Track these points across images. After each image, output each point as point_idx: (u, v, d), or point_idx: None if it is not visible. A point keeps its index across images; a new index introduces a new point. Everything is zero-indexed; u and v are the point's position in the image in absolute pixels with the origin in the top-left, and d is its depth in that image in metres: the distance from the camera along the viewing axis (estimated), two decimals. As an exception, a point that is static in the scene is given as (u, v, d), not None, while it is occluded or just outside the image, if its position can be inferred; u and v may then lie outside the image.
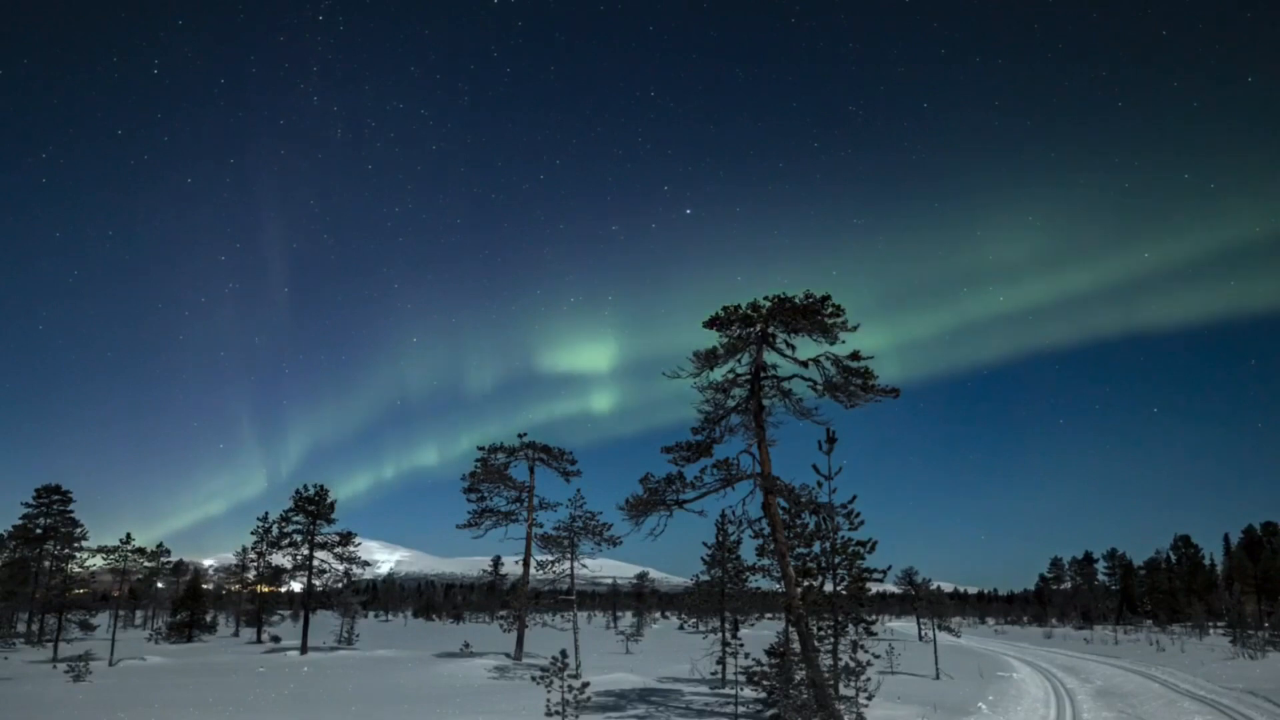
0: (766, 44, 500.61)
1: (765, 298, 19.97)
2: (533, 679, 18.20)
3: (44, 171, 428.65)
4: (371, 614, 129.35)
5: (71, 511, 52.88)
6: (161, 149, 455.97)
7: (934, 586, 43.08)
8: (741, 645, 27.44)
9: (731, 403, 20.80)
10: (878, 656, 27.43)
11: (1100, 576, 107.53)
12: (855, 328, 19.99)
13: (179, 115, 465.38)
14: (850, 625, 22.28)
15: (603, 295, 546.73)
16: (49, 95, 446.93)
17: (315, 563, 47.91)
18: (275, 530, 48.70)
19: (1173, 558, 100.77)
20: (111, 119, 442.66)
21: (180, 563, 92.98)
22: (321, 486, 48.41)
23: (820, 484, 20.80)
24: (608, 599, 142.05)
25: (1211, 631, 72.85)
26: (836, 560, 22.31)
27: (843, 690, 19.83)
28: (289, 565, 49.94)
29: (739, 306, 20.11)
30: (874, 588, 24.28)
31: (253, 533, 55.98)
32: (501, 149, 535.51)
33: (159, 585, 76.11)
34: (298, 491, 47.99)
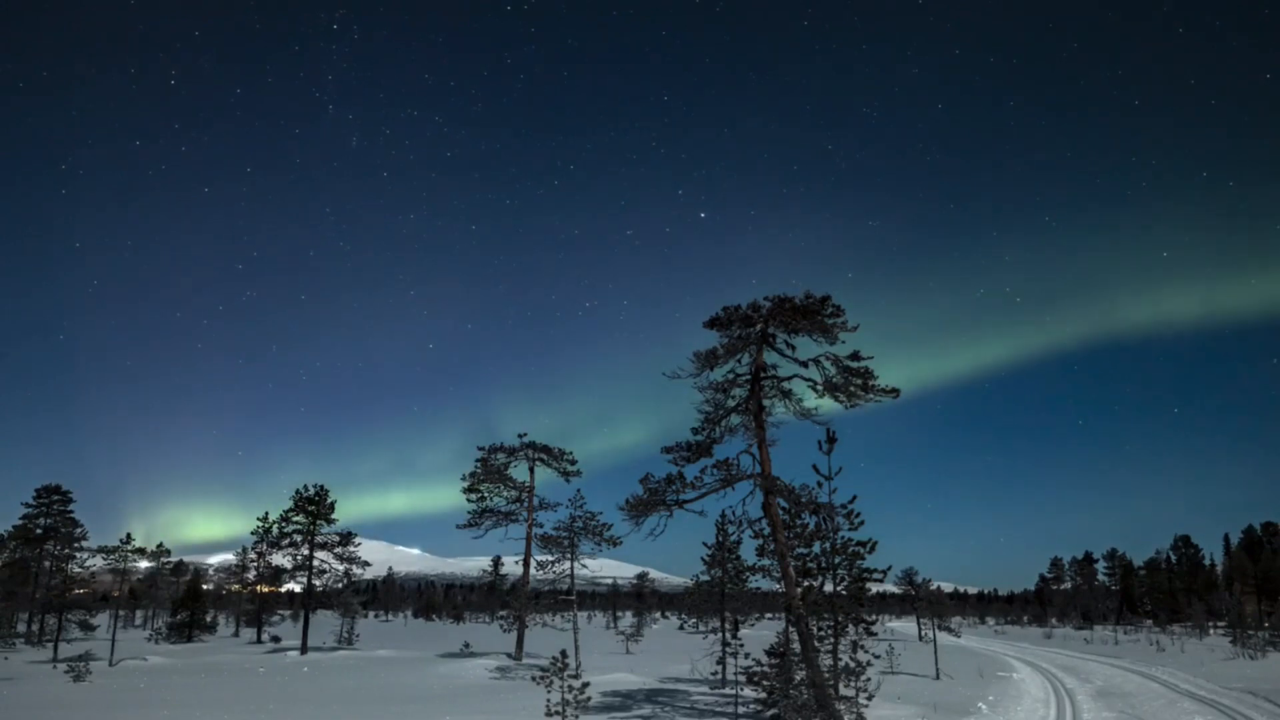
0: (779, 46, 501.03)
1: (765, 298, 19.98)
2: (533, 679, 18.20)
3: (63, 183, 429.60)
4: (371, 614, 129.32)
5: (71, 512, 52.75)
6: (179, 159, 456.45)
7: (934, 587, 43.08)
8: (741, 645, 27.42)
9: (731, 403, 20.79)
10: (878, 657, 27.43)
11: (1100, 576, 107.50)
12: (855, 328, 19.98)
13: (196, 125, 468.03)
14: (850, 625, 22.25)
15: (617, 299, 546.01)
16: (67, 107, 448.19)
17: (315, 563, 47.91)
18: (275, 530, 48.69)
19: (1173, 558, 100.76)
20: (129, 130, 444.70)
21: (180, 563, 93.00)
22: (321, 486, 48.47)
23: (820, 484, 20.77)
24: (608, 599, 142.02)
25: (1211, 632, 72.84)
26: (836, 560, 22.29)
27: (843, 690, 19.82)
28: (289, 565, 49.93)
29: (739, 307, 20.11)
30: (874, 588, 24.27)
31: (253, 533, 55.98)
32: (515, 155, 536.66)
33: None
34: (298, 491, 48.05)
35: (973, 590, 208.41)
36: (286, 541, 48.32)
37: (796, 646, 18.99)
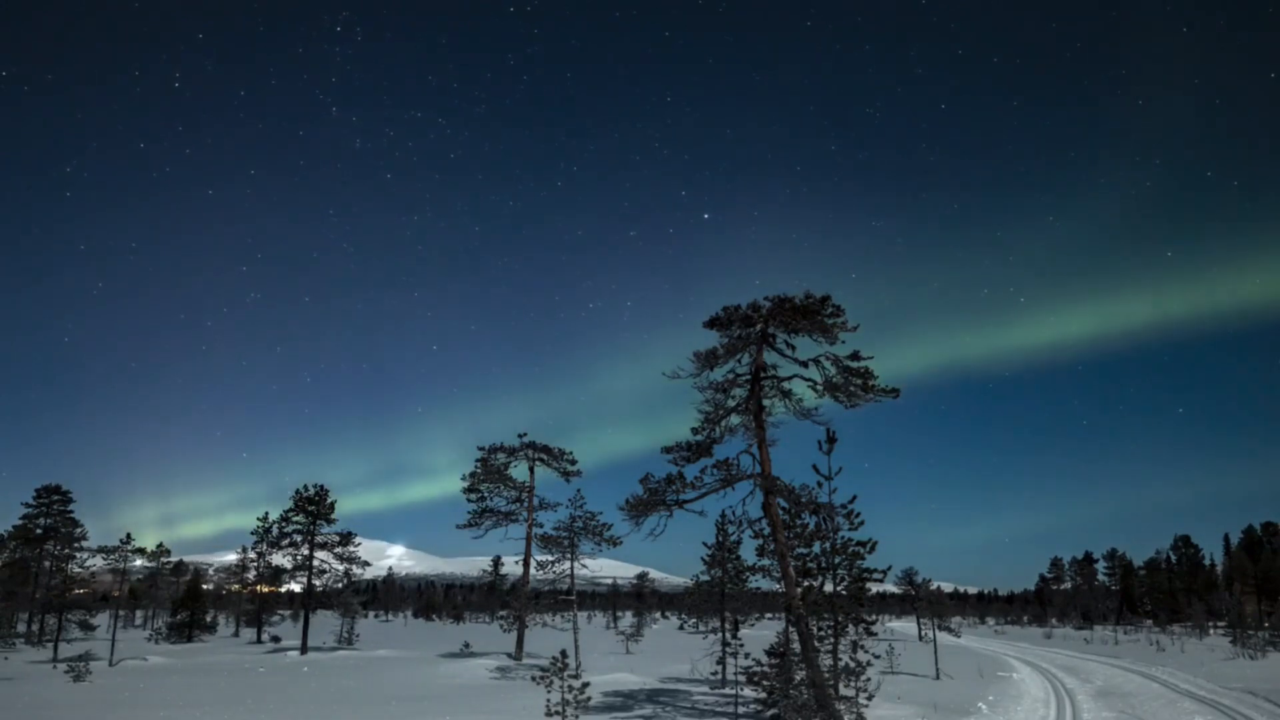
0: (782, 47, 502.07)
1: (765, 298, 19.96)
2: (533, 679, 18.19)
3: (68, 185, 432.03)
4: (371, 614, 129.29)
5: (71, 512, 52.73)
6: (183, 161, 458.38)
7: (934, 587, 43.08)
8: (741, 645, 27.42)
9: (731, 403, 20.77)
10: (878, 657, 27.43)
11: (1100, 576, 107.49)
12: (855, 328, 19.96)
13: (200, 128, 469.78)
14: (850, 625, 22.26)
15: (621, 301, 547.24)
16: (72, 110, 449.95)
17: (315, 563, 47.89)
18: (275, 530, 48.69)
19: (1173, 558, 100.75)
20: (133, 132, 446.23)
21: (180, 563, 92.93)
22: (321, 486, 48.46)
23: (820, 484, 20.77)
24: (608, 599, 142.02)
25: (1211, 632, 72.83)
26: (836, 560, 22.30)
27: (843, 690, 19.82)
28: (289, 565, 49.94)
29: (739, 307, 20.09)
30: (874, 588, 24.27)
31: (253, 533, 55.98)
32: (519, 156, 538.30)
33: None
34: (298, 491, 48.02)
35: (973, 590, 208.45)
36: (286, 541, 48.32)
37: (796, 646, 18.99)
